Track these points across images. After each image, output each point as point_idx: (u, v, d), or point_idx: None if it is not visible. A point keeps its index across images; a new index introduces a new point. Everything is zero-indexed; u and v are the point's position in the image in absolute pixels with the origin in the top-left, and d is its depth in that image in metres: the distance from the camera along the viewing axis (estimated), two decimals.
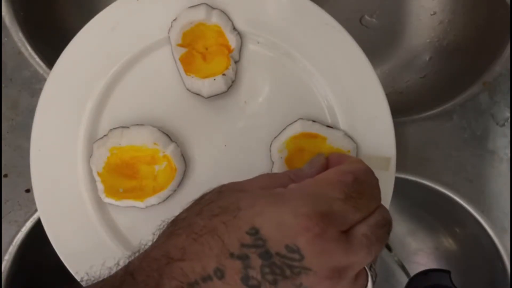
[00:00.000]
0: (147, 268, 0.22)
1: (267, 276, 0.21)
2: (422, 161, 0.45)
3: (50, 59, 0.46)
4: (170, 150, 0.33)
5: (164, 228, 0.25)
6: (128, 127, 0.34)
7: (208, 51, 0.35)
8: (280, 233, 0.21)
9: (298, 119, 0.34)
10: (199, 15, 0.34)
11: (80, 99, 0.35)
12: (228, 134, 0.35)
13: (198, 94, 0.35)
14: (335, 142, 0.34)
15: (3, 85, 0.45)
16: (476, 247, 0.47)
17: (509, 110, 0.45)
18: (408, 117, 0.46)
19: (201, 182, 0.35)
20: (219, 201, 0.24)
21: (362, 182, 0.24)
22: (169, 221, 0.25)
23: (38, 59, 0.46)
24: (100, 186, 0.34)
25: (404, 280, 0.42)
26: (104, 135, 0.34)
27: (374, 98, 0.34)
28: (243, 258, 0.21)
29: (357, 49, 0.34)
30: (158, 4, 0.35)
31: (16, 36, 0.45)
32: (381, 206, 0.25)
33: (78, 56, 0.35)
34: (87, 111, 0.35)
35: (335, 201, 0.23)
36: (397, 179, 0.34)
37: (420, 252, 0.54)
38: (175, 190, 0.35)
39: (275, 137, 0.34)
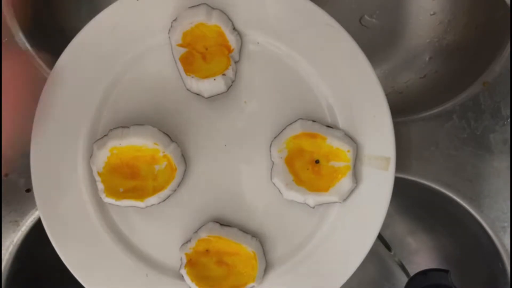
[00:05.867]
0: None
1: None
2: (422, 161, 0.45)
3: (50, 59, 0.46)
4: (170, 150, 0.34)
5: None
6: (128, 127, 0.34)
7: (208, 51, 0.35)
8: None
9: (298, 119, 0.35)
10: (199, 15, 0.34)
11: (80, 99, 0.35)
12: (228, 134, 0.35)
13: (198, 94, 0.35)
14: (335, 142, 0.34)
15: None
16: (476, 247, 0.47)
17: (509, 110, 0.44)
18: (408, 117, 0.46)
19: (201, 182, 0.35)
20: None
21: None
22: None
23: (38, 59, 0.46)
24: (100, 186, 0.34)
25: (404, 280, 0.42)
26: (104, 135, 0.34)
27: (373, 98, 0.34)
28: None
29: (357, 49, 0.34)
30: (158, 4, 0.35)
31: (17, 36, 0.45)
32: None
33: (79, 56, 0.35)
34: (87, 111, 0.35)
35: None
36: (397, 179, 0.34)
37: (420, 252, 0.54)
38: (175, 190, 0.35)
39: (275, 137, 0.35)
